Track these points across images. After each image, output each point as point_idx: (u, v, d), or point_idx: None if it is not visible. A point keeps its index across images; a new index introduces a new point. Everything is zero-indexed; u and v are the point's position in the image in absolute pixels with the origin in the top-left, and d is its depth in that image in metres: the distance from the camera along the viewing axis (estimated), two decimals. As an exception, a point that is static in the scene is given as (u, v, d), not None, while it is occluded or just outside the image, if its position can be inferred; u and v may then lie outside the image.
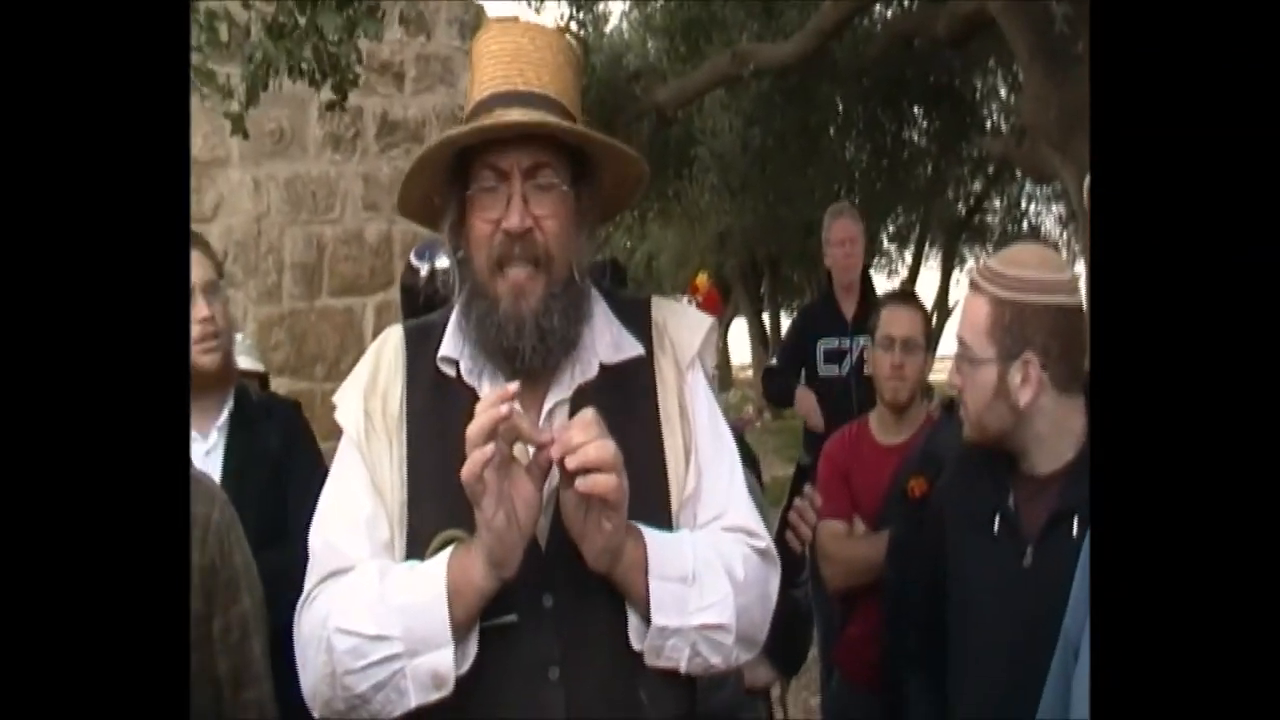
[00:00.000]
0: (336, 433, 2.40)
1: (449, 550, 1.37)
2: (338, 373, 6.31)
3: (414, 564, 1.40)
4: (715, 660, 1.43)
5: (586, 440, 1.30)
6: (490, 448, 1.27)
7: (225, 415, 2.28)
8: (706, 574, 1.42)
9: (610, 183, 1.54)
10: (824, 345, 4.57)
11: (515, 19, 1.54)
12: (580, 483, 1.29)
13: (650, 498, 1.45)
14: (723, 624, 1.42)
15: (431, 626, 1.33)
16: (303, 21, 3.06)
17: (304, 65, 3.22)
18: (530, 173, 1.42)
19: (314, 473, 2.33)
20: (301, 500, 2.25)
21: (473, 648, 1.37)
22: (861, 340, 4.39)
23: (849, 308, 4.59)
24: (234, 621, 1.74)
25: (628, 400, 1.49)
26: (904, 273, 18.23)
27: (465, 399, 1.45)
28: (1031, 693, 1.54)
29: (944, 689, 1.88)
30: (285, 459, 2.31)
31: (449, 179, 1.46)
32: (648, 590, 1.38)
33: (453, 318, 1.53)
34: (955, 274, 17.66)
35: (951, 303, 16.68)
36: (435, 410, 1.48)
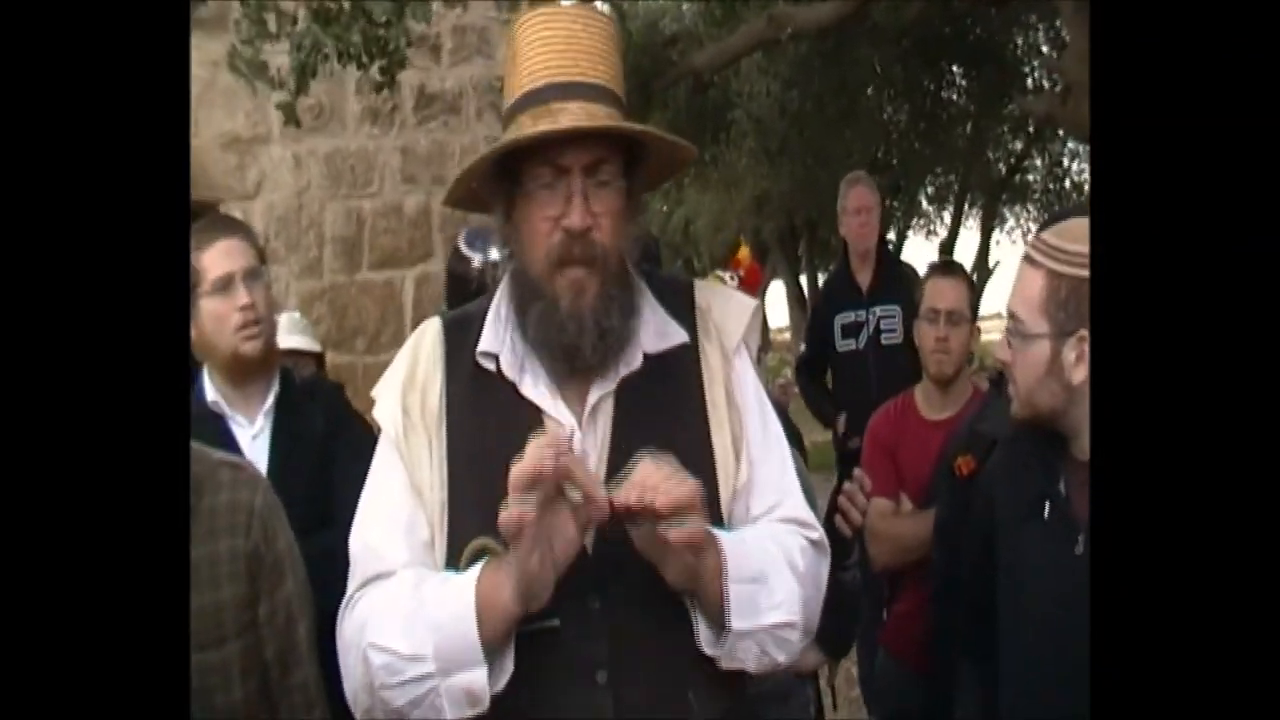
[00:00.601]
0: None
1: (480, 566, 1.35)
2: (379, 346, 6.35)
3: (449, 576, 1.38)
4: (781, 658, 1.43)
5: (665, 480, 1.27)
6: (533, 510, 1.24)
7: (271, 400, 2.30)
8: (773, 572, 1.41)
9: (658, 169, 1.52)
10: (840, 320, 4.52)
11: (559, 3, 1.51)
12: (675, 534, 1.27)
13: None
14: (791, 622, 1.41)
15: (462, 646, 1.32)
16: (347, 6, 3.04)
17: (352, 49, 3.21)
18: (590, 169, 1.39)
19: (360, 454, 2.35)
20: (347, 483, 2.27)
21: (509, 663, 1.35)
22: (878, 310, 4.40)
23: (864, 278, 4.54)
24: (280, 605, 1.76)
25: (673, 390, 1.47)
26: (943, 233, 18.00)
27: (505, 393, 1.45)
28: (1082, 679, 1.53)
29: (994, 672, 1.87)
30: (331, 441, 2.32)
31: (498, 173, 1.43)
32: (723, 595, 1.35)
33: (491, 309, 1.51)
34: (995, 234, 17.44)
35: (992, 263, 16.49)
36: (475, 405, 1.46)
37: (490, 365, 1.48)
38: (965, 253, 17.42)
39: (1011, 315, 1.75)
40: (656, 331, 1.49)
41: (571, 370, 1.43)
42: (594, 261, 1.40)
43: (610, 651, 1.38)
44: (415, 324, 6.45)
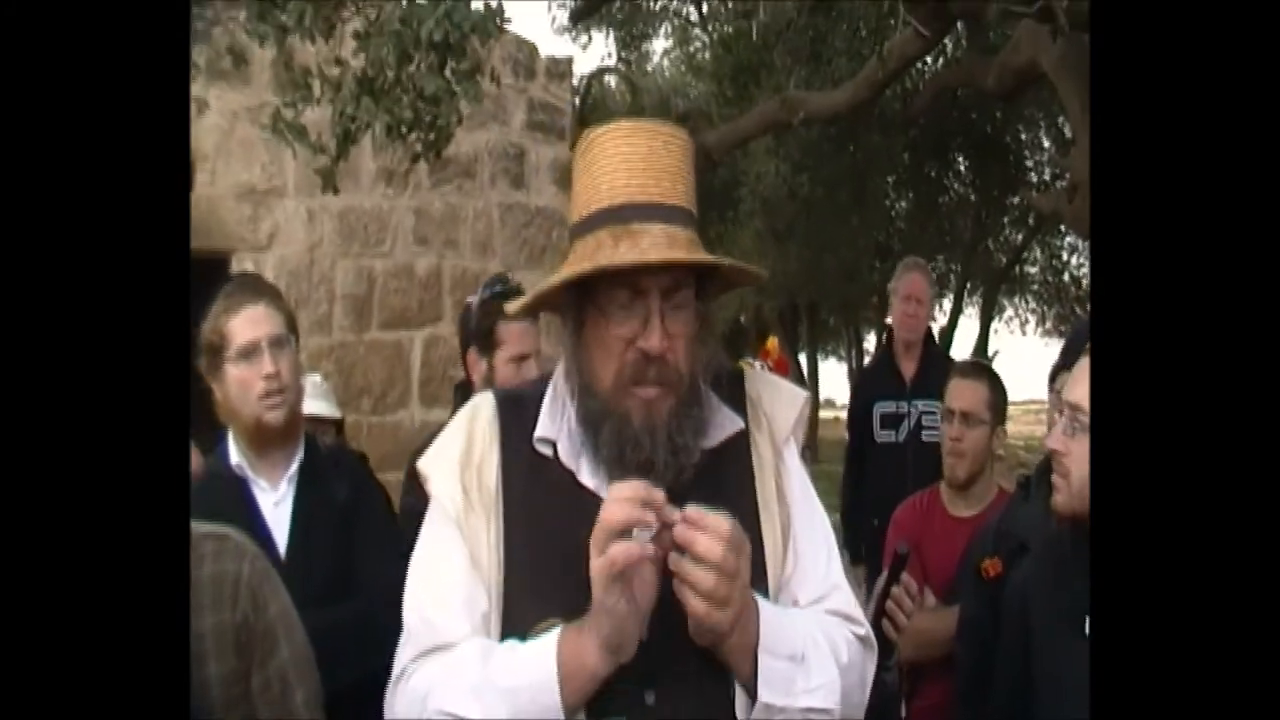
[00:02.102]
0: (384, 466, 2.41)
1: (555, 632, 1.34)
2: (384, 406, 6.32)
3: (516, 644, 1.37)
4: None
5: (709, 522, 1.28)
6: (650, 545, 1.26)
7: (295, 467, 2.28)
8: (814, 655, 1.40)
9: (725, 285, 1.53)
10: (880, 409, 4.40)
11: (637, 121, 1.50)
12: (673, 563, 1.28)
13: (750, 581, 1.41)
14: (828, 709, 1.39)
15: (542, 711, 1.30)
16: (390, 76, 3.07)
17: (404, 126, 3.23)
18: (668, 292, 1.39)
19: (382, 526, 2.33)
20: (369, 553, 2.25)
21: None
22: (920, 404, 4.28)
23: (908, 368, 4.42)
24: (274, 675, 1.71)
25: (727, 481, 1.47)
26: (943, 320, 18.16)
27: (563, 478, 1.44)
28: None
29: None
30: (353, 511, 2.30)
31: (568, 284, 1.42)
32: (755, 666, 1.35)
33: (548, 394, 1.51)
34: (994, 323, 17.59)
35: (991, 352, 16.57)
36: (533, 489, 1.45)
37: (547, 450, 1.47)
38: (965, 341, 17.54)
39: (1075, 407, 1.73)
40: (713, 423, 1.48)
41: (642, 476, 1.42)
42: (668, 381, 1.40)
43: None
44: (423, 386, 6.38)
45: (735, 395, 1.53)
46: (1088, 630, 1.72)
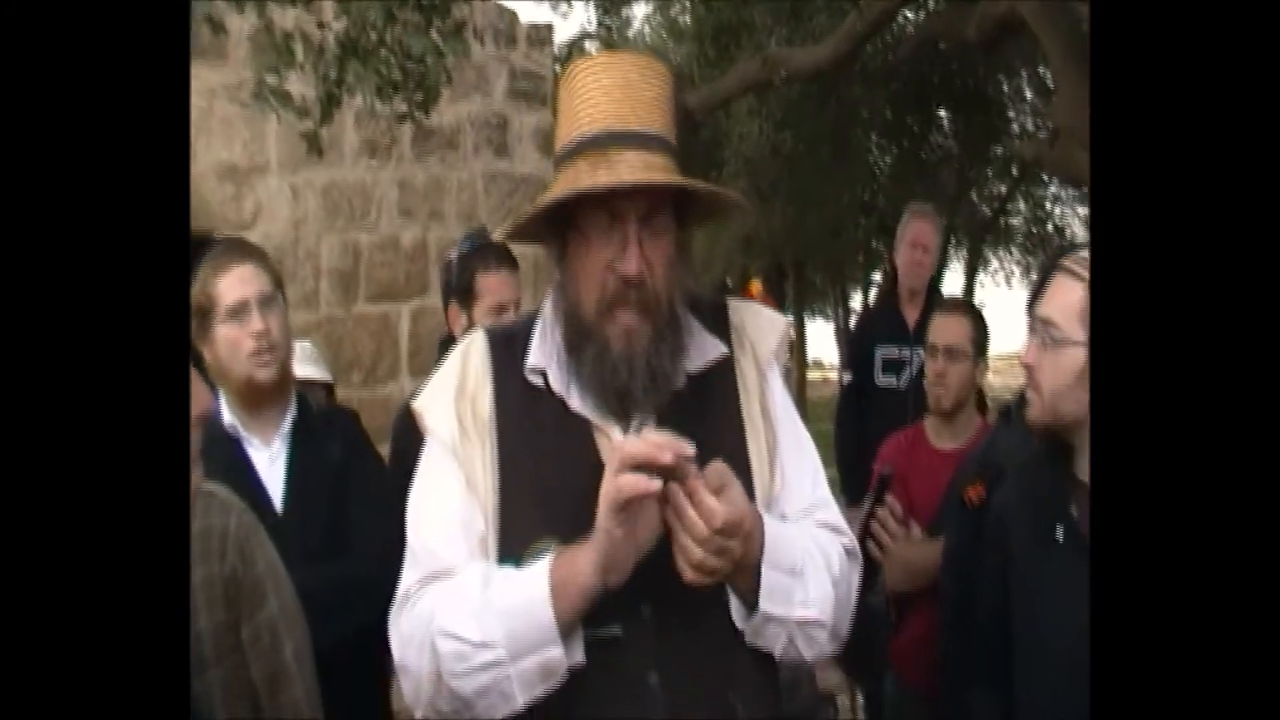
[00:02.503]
0: (376, 439, 2.46)
1: (549, 554, 1.38)
2: (374, 379, 6.35)
3: (512, 570, 1.41)
4: (807, 654, 1.48)
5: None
6: (658, 483, 1.29)
7: (288, 424, 2.31)
8: (810, 569, 1.46)
9: (704, 213, 1.57)
10: (882, 353, 4.32)
11: (616, 52, 1.55)
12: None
13: None
14: (821, 621, 1.46)
15: (536, 627, 1.35)
16: (375, 37, 3.07)
17: (393, 86, 3.23)
18: (645, 218, 1.43)
19: (375, 483, 2.37)
20: (364, 510, 2.28)
21: (579, 648, 1.39)
22: (922, 351, 4.24)
23: (911, 315, 4.34)
24: (263, 626, 1.76)
25: (712, 404, 1.53)
26: (929, 273, 18.18)
27: (554, 405, 1.50)
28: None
29: (1008, 700, 1.87)
30: (346, 469, 2.33)
31: (552, 212, 1.47)
32: (759, 578, 1.40)
33: (537, 327, 1.55)
34: (980, 275, 17.60)
35: (977, 303, 16.59)
36: (526, 415, 1.50)
37: (538, 380, 1.52)
38: (950, 293, 17.54)
39: (1045, 322, 1.77)
40: (697, 349, 1.53)
41: (620, 407, 1.47)
42: (647, 306, 1.44)
43: (660, 656, 1.42)
44: (412, 358, 6.41)
45: (719, 323, 1.59)
46: (1061, 539, 1.77)
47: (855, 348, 4.53)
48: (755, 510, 1.40)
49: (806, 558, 1.46)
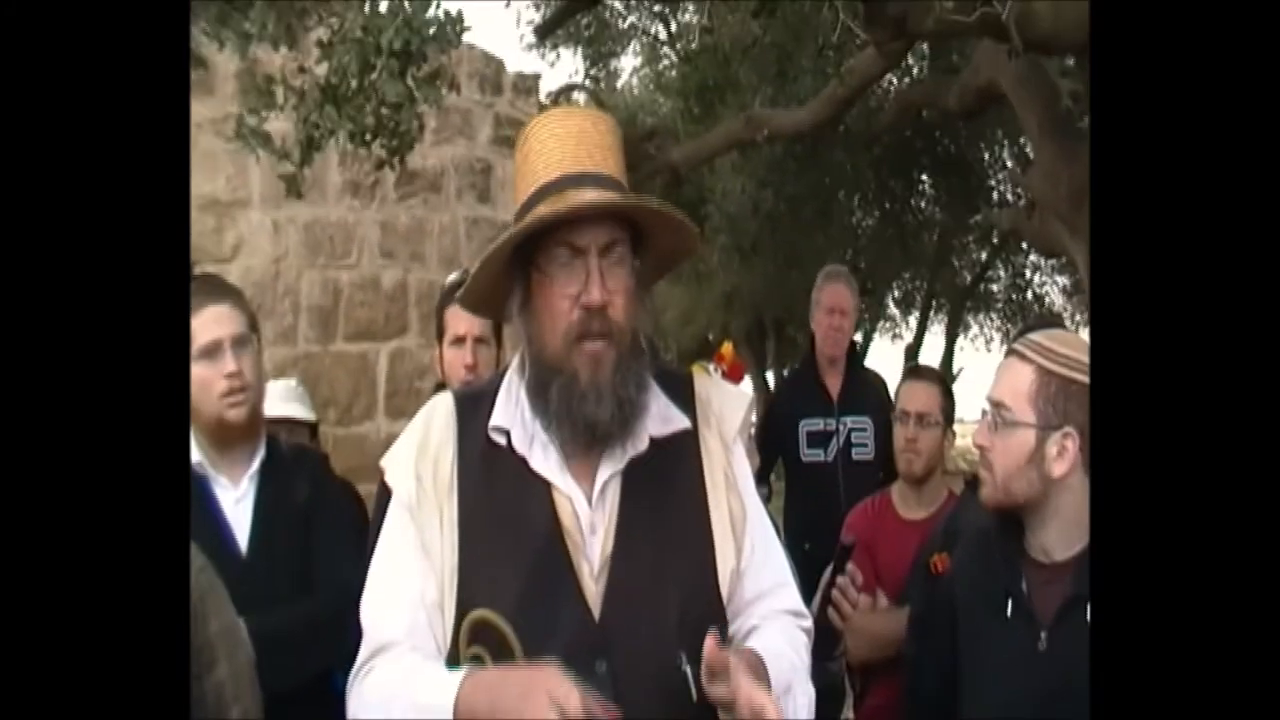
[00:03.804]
0: (351, 478, 2.43)
1: (460, 678, 1.40)
2: (350, 418, 6.32)
3: (437, 677, 1.43)
4: None
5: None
6: None
7: (256, 465, 2.31)
8: (797, 683, 1.51)
9: (663, 253, 1.60)
10: (806, 426, 4.10)
11: (574, 107, 1.60)
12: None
13: (696, 566, 1.51)
14: None
15: None
16: (354, 84, 3.12)
17: (367, 133, 3.28)
18: (604, 250, 1.47)
19: (343, 525, 2.36)
20: (329, 551, 2.27)
21: None
22: (849, 421, 4.05)
23: (833, 384, 4.15)
24: (209, 691, 1.71)
25: (676, 472, 1.55)
26: (909, 338, 18.31)
27: (516, 467, 1.51)
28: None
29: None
30: (314, 510, 2.33)
31: (514, 262, 1.51)
32: None
33: (503, 386, 1.58)
34: (960, 340, 17.75)
35: (956, 369, 16.72)
36: (486, 476, 1.52)
37: (501, 440, 1.54)
38: (930, 358, 17.66)
39: (997, 404, 1.84)
40: (661, 417, 1.56)
41: (591, 440, 1.49)
42: (610, 336, 1.48)
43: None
44: (389, 399, 6.37)
45: (684, 396, 1.61)
46: (1009, 613, 1.80)
47: (774, 423, 4.26)
48: (753, 651, 1.43)
49: (794, 673, 1.51)
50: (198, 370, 2.21)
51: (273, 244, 6.16)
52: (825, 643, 2.31)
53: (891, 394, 3.73)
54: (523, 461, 1.51)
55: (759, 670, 1.39)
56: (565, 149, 1.51)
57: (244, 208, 6.08)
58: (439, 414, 1.59)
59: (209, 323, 2.22)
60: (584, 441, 1.49)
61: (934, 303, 17.46)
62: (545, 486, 1.50)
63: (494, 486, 1.50)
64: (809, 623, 1.61)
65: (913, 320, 18.11)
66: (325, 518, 2.32)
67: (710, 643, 1.35)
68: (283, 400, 3.29)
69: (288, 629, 2.12)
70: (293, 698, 1.95)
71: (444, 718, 1.37)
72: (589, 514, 1.49)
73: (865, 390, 4.20)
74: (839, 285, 4.22)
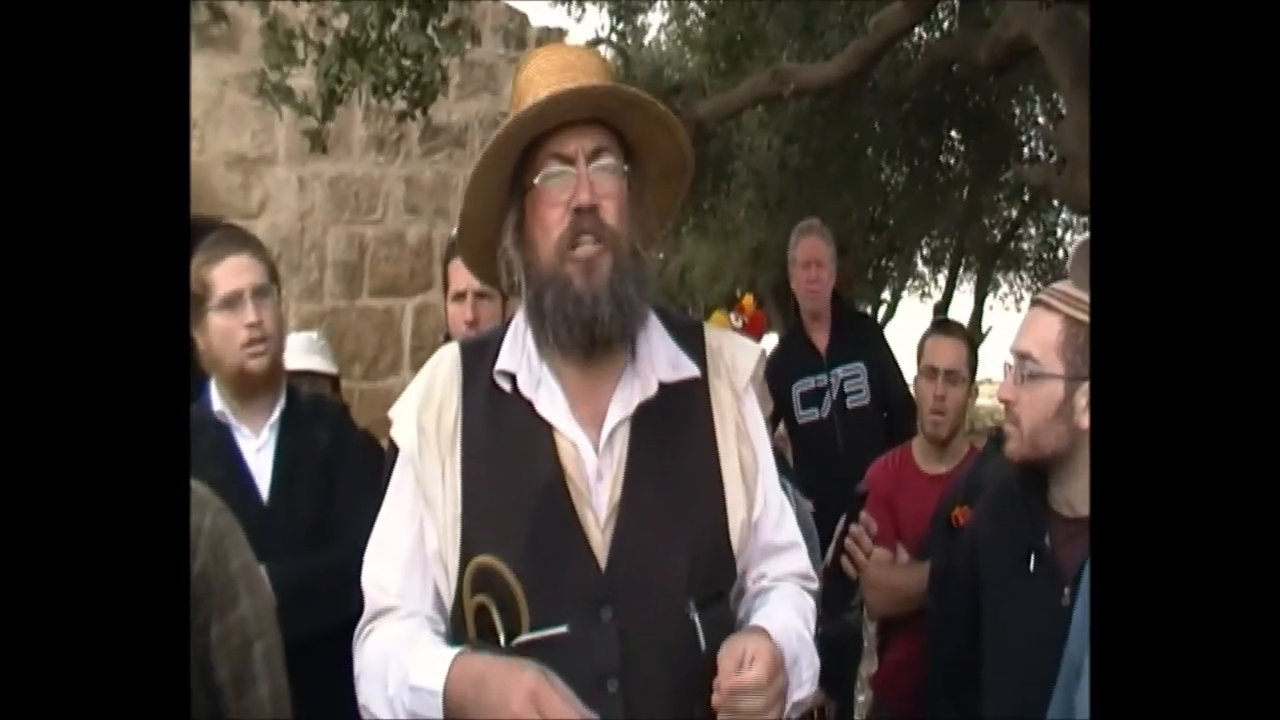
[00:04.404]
0: (376, 432, 2.44)
1: (449, 662, 1.40)
2: (375, 372, 6.35)
3: (428, 657, 1.43)
4: (794, 716, 1.51)
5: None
6: None
7: (276, 414, 2.32)
8: (803, 652, 1.50)
9: (656, 169, 1.58)
10: (799, 388, 4.06)
11: (556, 45, 1.60)
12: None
13: (707, 515, 1.49)
14: (806, 700, 1.52)
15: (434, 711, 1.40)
16: (373, 35, 3.09)
17: (389, 85, 3.26)
18: (592, 156, 1.47)
19: (362, 473, 2.37)
20: (350, 500, 2.29)
21: None
22: (839, 371, 4.01)
23: (820, 338, 4.10)
24: (233, 627, 1.74)
25: (686, 419, 1.53)
26: (937, 296, 18.15)
27: (522, 411, 1.49)
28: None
29: (975, 714, 1.88)
30: (334, 459, 2.35)
31: (507, 192, 1.51)
32: None
33: (509, 331, 1.56)
34: (989, 299, 17.56)
35: (985, 327, 16.57)
36: (491, 423, 1.50)
37: (507, 385, 1.52)
38: (960, 316, 17.49)
39: (1023, 356, 1.79)
40: (670, 362, 1.54)
41: (591, 345, 1.47)
42: (603, 237, 1.46)
43: (621, 660, 1.41)
44: (414, 353, 6.44)
45: (694, 344, 1.59)
46: (1032, 568, 1.78)
47: (772, 391, 4.17)
48: (766, 636, 1.41)
49: (801, 644, 1.50)
50: (218, 320, 2.22)
51: (298, 200, 6.18)
52: (841, 593, 2.30)
53: (885, 334, 3.64)
54: (529, 406, 1.49)
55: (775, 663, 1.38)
56: (551, 77, 1.50)
57: (270, 164, 6.09)
58: (444, 364, 1.57)
59: (229, 273, 2.23)
60: (583, 348, 1.47)
61: (963, 260, 17.28)
62: (549, 432, 1.48)
63: (498, 433, 1.49)
64: (814, 584, 1.61)
65: (941, 278, 17.94)
66: (345, 467, 2.34)
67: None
68: (304, 353, 3.29)
69: (309, 576, 2.14)
70: (311, 645, 1.97)
71: (435, 703, 1.39)
72: (595, 461, 1.46)
73: (853, 335, 4.15)
74: (812, 238, 4.16)
